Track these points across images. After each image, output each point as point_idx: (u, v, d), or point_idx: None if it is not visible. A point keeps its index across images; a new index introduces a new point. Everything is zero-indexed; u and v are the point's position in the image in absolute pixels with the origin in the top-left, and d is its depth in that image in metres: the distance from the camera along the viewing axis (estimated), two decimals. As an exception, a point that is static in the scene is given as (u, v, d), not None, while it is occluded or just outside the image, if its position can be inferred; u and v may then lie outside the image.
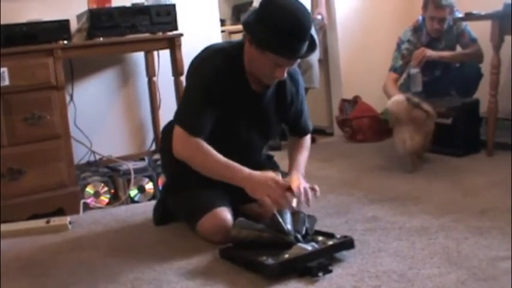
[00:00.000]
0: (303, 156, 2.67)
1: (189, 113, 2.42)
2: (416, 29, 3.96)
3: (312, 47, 2.35)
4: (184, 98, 2.51)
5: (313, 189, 2.39)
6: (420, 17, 3.97)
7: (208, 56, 2.45)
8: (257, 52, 2.31)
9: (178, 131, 2.42)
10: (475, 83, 3.90)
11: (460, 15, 3.83)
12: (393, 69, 3.99)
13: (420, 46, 3.89)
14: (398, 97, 3.41)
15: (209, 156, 2.38)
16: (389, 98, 3.60)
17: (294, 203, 2.30)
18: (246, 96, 2.47)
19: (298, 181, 2.40)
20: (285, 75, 2.39)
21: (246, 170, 2.35)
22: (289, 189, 2.30)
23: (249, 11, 2.40)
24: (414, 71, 3.82)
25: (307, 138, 2.77)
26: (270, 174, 2.35)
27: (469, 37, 3.87)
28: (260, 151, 2.76)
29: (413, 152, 3.36)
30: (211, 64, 2.40)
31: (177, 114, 2.50)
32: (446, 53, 3.85)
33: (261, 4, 2.33)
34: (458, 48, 3.98)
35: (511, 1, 3.37)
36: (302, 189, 2.34)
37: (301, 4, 2.34)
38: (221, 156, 2.37)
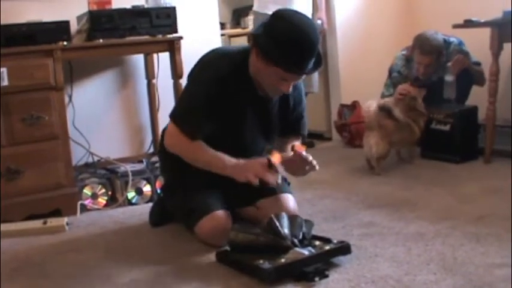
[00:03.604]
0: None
1: (188, 116, 2.42)
2: (409, 60, 3.91)
3: (318, 64, 2.35)
4: (185, 98, 2.50)
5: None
6: None
7: (213, 60, 2.44)
8: (264, 65, 2.30)
9: (174, 129, 2.42)
10: (466, 89, 3.87)
11: (464, 47, 3.81)
12: (383, 97, 3.98)
13: (410, 77, 3.88)
14: (371, 103, 3.60)
15: (200, 150, 2.40)
16: None
17: (279, 179, 2.34)
18: (252, 100, 2.47)
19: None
20: (290, 89, 2.39)
21: (233, 159, 2.38)
22: (270, 165, 2.31)
23: (256, 22, 2.40)
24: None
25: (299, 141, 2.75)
26: (255, 158, 2.37)
27: (473, 62, 3.80)
28: (261, 153, 2.76)
29: (378, 158, 3.51)
30: (215, 69, 2.39)
31: (176, 112, 2.49)
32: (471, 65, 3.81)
33: (270, 18, 2.32)
34: None
35: (511, 9, 3.38)
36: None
37: (310, 20, 2.36)
38: (211, 150, 2.40)
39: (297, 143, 2.51)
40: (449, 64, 3.74)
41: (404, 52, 3.96)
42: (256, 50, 2.32)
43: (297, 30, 2.23)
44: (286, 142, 2.69)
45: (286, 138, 2.69)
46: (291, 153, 2.46)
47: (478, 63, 3.80)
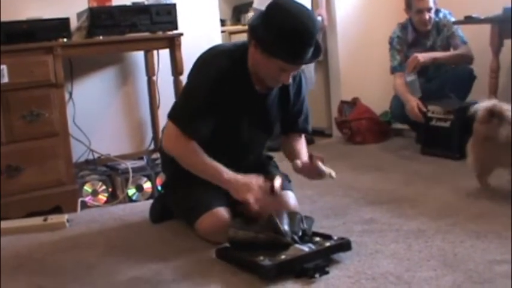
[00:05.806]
0: (305, 149, 2.67)
1: (188, 114, 2.40)
2: (404, 26, 4.04)
3: (317, 52, 2.34)
4: (185, 97, 2.50)
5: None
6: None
7: (213, 57, 2.44)
8: (262, 57, 2.29)
9: (173, 128, 2.41)
10: (468, 85, 3.88)
11: (452, 18, 3.86)
12: (396, 70, 4.01)
13: (408, 42, 3.97)
14: (484, 106, 2.87)
15: (198, 157, 2.39)
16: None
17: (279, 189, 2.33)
18: (249, 97, 2.46)
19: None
20: (290, 79, 2.38)
21: (231, 173, 2.37)
22: (271, 191, 2.32)
23: (254, 14, 2.38)
24: (410, 78, 3.83)
25: (303, 139, 2.75)
26: (254, 177, 2.36)
27: (461, 40, 3.88)
28: (262, 148, 2.75)
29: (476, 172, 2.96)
30: (216, 65, 2.38)
31: (175, 111, 2.48)
32: (438, 54, 3.87)
33: (267, 9, 2.30)
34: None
35: (511, 5, 3.38)
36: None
37: (307, 9, 2.33)
38: (210, 158, 2.39)
39: (315, 153, 2.49)
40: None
41: (398, 26, 4.08)
42: (255, 41, 2.30)
43: (295, 20, 2.21)
44: (290, 141, 2.70)
45: (290, 136, 2.70)
46: (305, 158, 2.51)
47: (465, 42, 3.87)
